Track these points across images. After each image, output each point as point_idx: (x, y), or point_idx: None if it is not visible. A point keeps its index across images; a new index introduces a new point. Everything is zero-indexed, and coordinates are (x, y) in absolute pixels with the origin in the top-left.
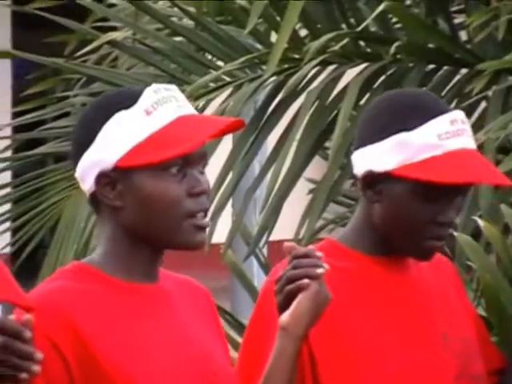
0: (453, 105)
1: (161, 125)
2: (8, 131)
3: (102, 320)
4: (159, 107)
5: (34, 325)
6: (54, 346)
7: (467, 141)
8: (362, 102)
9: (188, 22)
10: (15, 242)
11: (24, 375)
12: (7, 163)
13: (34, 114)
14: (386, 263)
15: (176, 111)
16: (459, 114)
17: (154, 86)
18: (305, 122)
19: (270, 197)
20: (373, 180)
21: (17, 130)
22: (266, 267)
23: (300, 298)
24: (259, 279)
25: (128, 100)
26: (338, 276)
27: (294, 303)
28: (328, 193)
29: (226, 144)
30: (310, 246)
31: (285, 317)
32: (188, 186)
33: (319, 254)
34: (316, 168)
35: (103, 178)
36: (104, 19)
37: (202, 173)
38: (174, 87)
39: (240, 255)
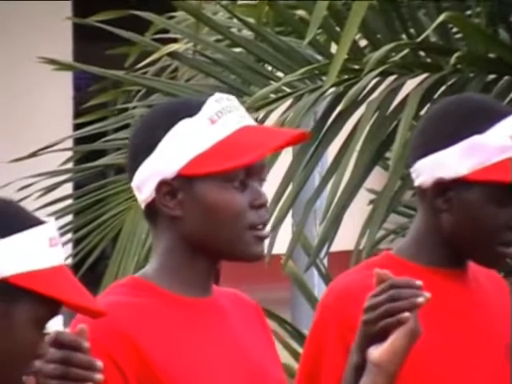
0: None
1: (225, 134)
2: (69, 143)
3: (159, 335)
4: (223, 116)
5: (88, 335)
6: (114, 362)
7: None
8: (423, 112)
9: (247, 33)
10: (77, 253)
11: None
12: (69, 175)
13: (94, 126)
14: (447, 275)
15: (239, 121)
16: None
17: (217, 95)
18: (365, 132)
19: (331, 208)
20: (443, 188)
21: (78, 141)
22: (326, 278)
23: (398, 335)
24: (320, 290)
25: (192, 108)
26: None
27: (390, 341)
28: (388, 203)
29: (286, 155)
30: (377, 269)
31: (379, 353)
32: (250, 197)
33: (419, 283)
34: (376, 178)
35: (164, 187)
36: (164, 31)
37: (261, 185)
38: (233, 98)
39: (301, 266)
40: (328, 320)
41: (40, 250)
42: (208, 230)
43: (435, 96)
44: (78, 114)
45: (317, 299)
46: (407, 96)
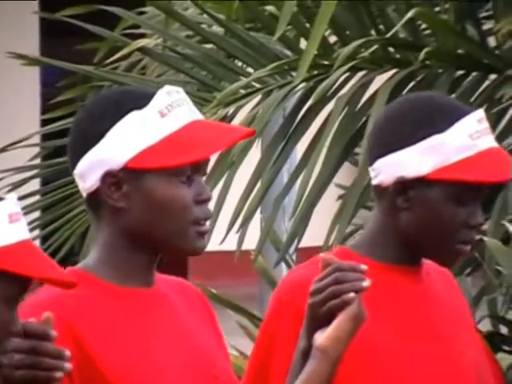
0: (482, 110)
1: (175, 128)
2: (37, 139)
3: (99, 325)
4: (174, 110)
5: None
6: None
7: (492, 139)
8: None
9: (218, 29)
10: (45, 249)
11: (58, 374)
12: (36, 171)
13: (63, 122)
14: (400, 271)
15: (189, 115)
16: (482, 113)
17: (167, 87)
18: (334, 128)
19: (300, 203)
20: (404, 186)
21: (46, 137)
22: None
23: (340, 319)
24: None
25: (140, 100)
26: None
27: (334, 324)
28: (358, 198)
29: (255, 151)
30: (323, 254)
31: (324, 339)
32: (195, 192)
33: (364, 267)
34: (346, 174)
35: (109, 178)
36: (134, 26)
37: (203, 179)
38: (182, 90)
39: (270, 262)
40: (280, 312)
41: (0, 228)
42: (152, 223)
43: (404, 91)
44: (45, 109)
45: None
46: (376, 91)
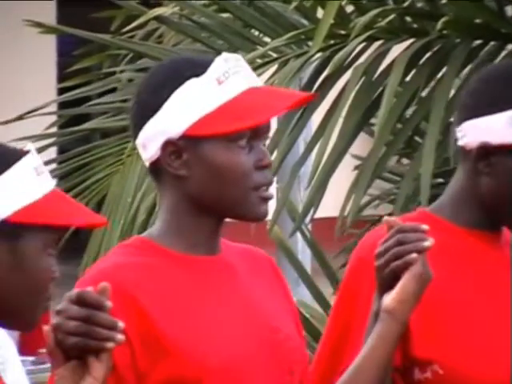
0: None
1: (233, 95)
2: (54, 107)
3: (164, 295)
4: (231, 77)
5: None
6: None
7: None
8: (408, 78)
9: None
10: None
11: (110, 344)
12: (53, 139)
13: (79, 90)
14: (486, 237)
15: (246, 82)
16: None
17: (225, 54)
18: (351, 98)
19: (316, 174)
20: (487, 152)
21: (62, 106)
22: (311, 243)
23: (406, 279)
24: (304, 255)
25: (199, 68)
26: (435, 250)
27: (399, 286)
28: (373, 169)
29: (272, 121)
30: (400, 218)
31: (390, 300)
32: (255, 158)
33: (425, 227)
34: (362, 144)
35: (170, 146)
36: None
37: (265, 145)
38: (241, 58)
39: (286, 232)
40: (361, 272)
41: (29, 183)
42: (213, 190)
43: (421, 62)
44: (62, 78)
45: (301, 264)
46: (393, 61)
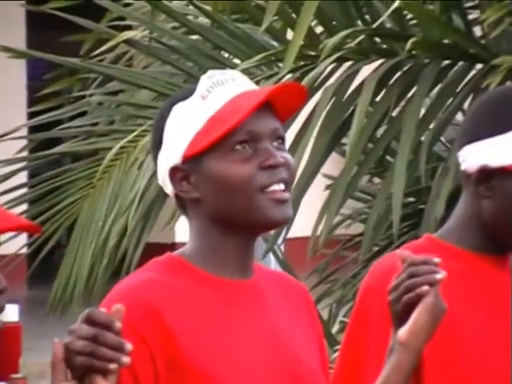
0: (468, 100)
1: (218, 106)
2: (24, 131)
3: (190, 316)
4: (214, 90)
5: (123, 316)
6: (143, 339)
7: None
8: (379, 98)
9: (204, 21)
10: (32, 242)
11: (114, 366)
12: (24, 163)
13: (50, 114)
14: (494, 261)
15: (233, 90)
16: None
17: (210, 72)
18: (321, 118)
19: None
20: (487, 175)
21: (33, 130)
22: (283, 264)
23: (418, 311)
24: None
25: (186, 92)
26: (447, 276)
27: (413, 317)
28: (345, 189)
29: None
30: (399, 250)
31: (403, 332)
32: (259, 160)
33: (437, 260)
34: (333, 164)
35: (176, 173)
36: (120, 18)
37: (280, 149)
38: (234, 71)
39: (258, 253)
40: (373, 300)
41: None
42: (224, 203)
43: (391, 82)
44: (32, 102)
45: None
46: (363, 82)
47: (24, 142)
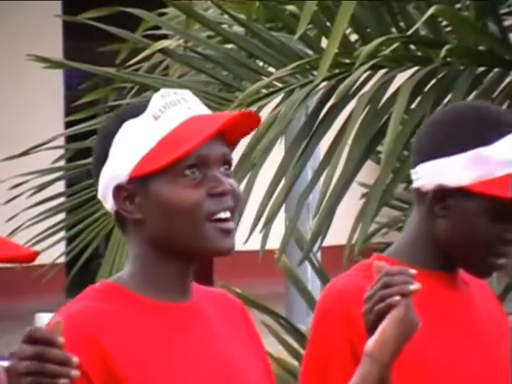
0: (504, 106)
1: (170, 128)
2: (61, 141)
3: (129, 343)
4: (167, 110)
5: (63, 328)
6: (80, 368)
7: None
8: (414, 105)
9: (238, 29)
10: (70, 251)
11: (64, 381)
12: (61, 173)
13: (86, 124)
14: (444, 278)
15: (185, 113)
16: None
17: (163, 90)
18: (356, 126)
19: (323, 202)
20: (443, 195)
21: (70, 139)
22: (320, 272)
23: (386, 322)
24: (313, 284)
25: (137, 109)
26: None
27: (380, 329)
28: (381, 197)
29: (279, 150)
30: (376, 262)
31: (370, 343)
32: (208, 186)
33: (412, 271)
34: (368, 172)
35: (121, 192)
36: (155, 28)
37: (227, 175)
38: (184, 91)
39: (294, 261)
40: (331, 321)
41: None
42: (169, 228)
43: (426, 89)
44: (69, 111)
45: (310, 294)
46: (398, 89)
47: (61, 152)
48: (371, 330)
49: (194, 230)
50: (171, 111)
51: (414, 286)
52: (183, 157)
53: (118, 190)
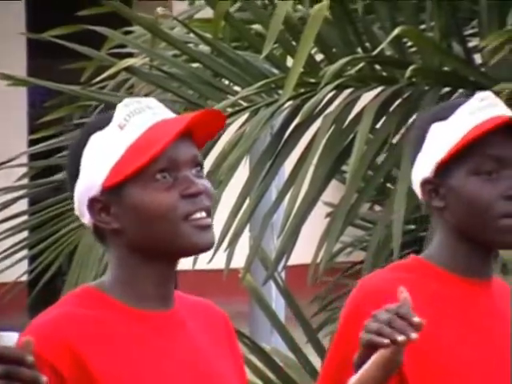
0: None
1: (136, 135)
2: (24, 159)
3: (107, 350)
4: (131, 119)
5: (34, 348)
6: (57, 374)
7: (499, 110)
8: (379, 125)
9: (204, 48)
10: (33, 269)
11: None
12: (24, 191)
13: (50, 142)
14: (478, 286)
15: (151, 119)
16: (487, 92)
17: (126, 100)
18: (321, 146)
19: (288, 221)
20: (432, 186)
21: (33, 157)
22: (284, 291)
23: (371, 362)
24: (278, 303)
25: (103, 121)
26: (429, 296)
27: (364, 367)
28: (346, 216)
29: (244, 169)
30: (394, 266)
31: (353, 380)
32: (180, 188)
33: (419, 321)
34: (333, 192)
35: (95, 204)
36: (121, 46)
37: (200, 176)
38: (148, 99)
39: (259, 280)
40: (359, 317)
41: None
42: (146, 233)
43: (391, 109)
44: (33, 129)
45: (274, 313)
46: (363, 109)
47: (24, 170)
48: (361, 347)
49: (171, 230)
50: (136, 119)
51: (411, 336)
52: (151, 160)
53: (93, 203)
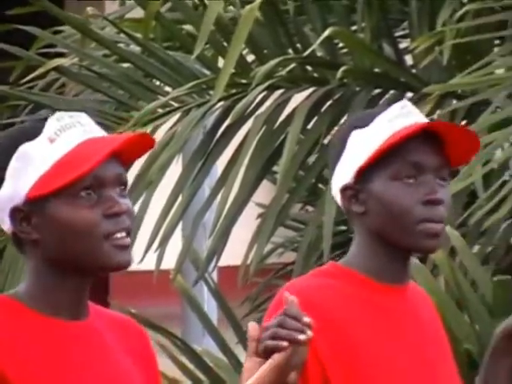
0: None
1: (65, 150)
2: None
3: (24, 358)
4: (62, 134)
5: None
6: None
7: (416, 118)
8: (310, 125)
9: (135, 48)
10: None
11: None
12: None
13: None
14: (393, 291)
15: (81, 135)
16: (407, 102)
17: (58, 114)
18: (253, 146)
19: (219, 221)
20: (353, 192)
21: None
22: (215, 292)
23: (266, 366)
24: (209, 304)
25: (32, 131)
26: (348, 300)
27: (259, 371)
28: (277, 217)
29: (176, 168)
30: (287, 294)
31: (250, 380)
32: (104, 207)
33: (307, 320)
34: (264, 192)
35: (17, 213)
36: (50, 45)
37: (123, 196)
38: (80, 114)
39: (190, 281)
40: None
41: None
42: (65, 248)
43: (322, 110)
44: None
45: (206, 314)
46: (294, 110)
47: None
48: (260, 356)
49: (91, 248)
50: (66, 134)
51: (303, 336)
52: (78, 179)
53: (15, 212)
